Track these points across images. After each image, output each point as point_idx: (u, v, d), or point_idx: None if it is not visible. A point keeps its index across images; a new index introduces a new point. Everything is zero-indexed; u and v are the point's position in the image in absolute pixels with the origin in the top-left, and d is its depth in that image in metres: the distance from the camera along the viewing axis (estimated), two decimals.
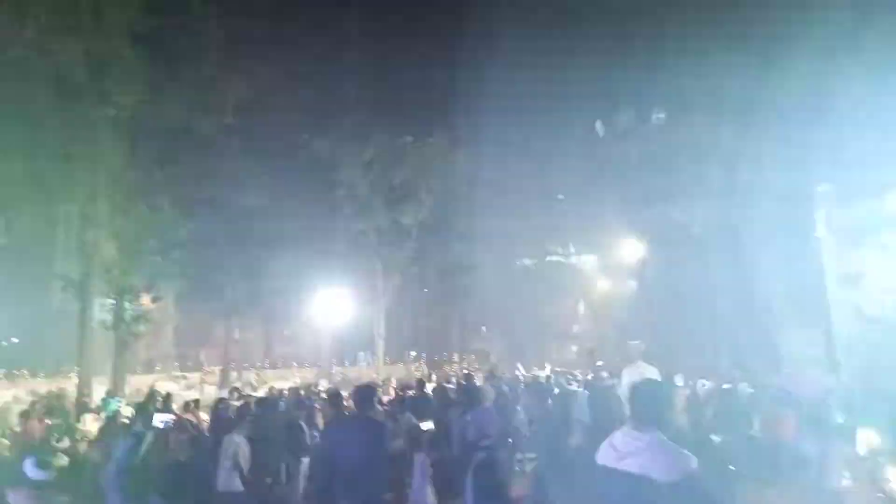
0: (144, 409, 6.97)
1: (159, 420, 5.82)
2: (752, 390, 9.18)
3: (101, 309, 20.16)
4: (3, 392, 25.91)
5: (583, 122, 22.38)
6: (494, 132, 30.13)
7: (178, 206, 21.56)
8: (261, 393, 16.65)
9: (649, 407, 3.04)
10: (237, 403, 10.34)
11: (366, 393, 5.34)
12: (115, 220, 20.00)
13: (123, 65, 17.26)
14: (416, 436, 7.67)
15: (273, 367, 40.36)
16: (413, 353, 40.11)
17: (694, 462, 2.85)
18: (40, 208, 19.01)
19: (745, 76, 22.40)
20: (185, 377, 33.21)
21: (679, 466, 2.84)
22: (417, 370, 33.27)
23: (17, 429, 12.61)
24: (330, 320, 32.04)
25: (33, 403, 14.94)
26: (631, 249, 21.04)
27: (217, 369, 34.49)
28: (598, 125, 19.06)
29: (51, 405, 14.65)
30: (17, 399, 22.17)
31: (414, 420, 8.47)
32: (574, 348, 43.00)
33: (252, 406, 8.71)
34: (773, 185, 18.08)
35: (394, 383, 17.30)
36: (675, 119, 23.11)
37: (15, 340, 39.55)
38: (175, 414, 9.85)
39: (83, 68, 16.63)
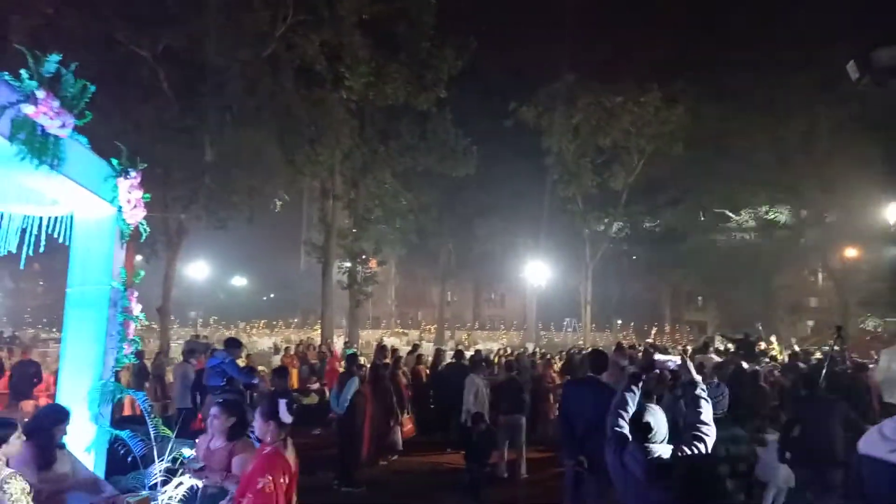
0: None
1: None
2: None
3: (339, 271, 22.98)
4: (266, 339, 31.15)
5: (830, 62, 19.03)
6: (716, 83, 27.21)
7: (399, 178, 23.49)
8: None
9: None
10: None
11: (599, 358, 5.72)
12: (348, 192, 22.54)
13: (352, 52, 19.09)
14: None
15: (482, 328, 42.26)
16: (619, 322, 39.03)
17: None
18: (291, 184, 22.09)
19: None
20: (405, 334, 36.49)
21: None
22: (626, 339, 32.30)
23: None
24: (536, 285, 32.55)
25: (287, 350, 17.79)
26: (893, 211, 17.72)
27: (433, 328, 37.20)
28: (851, 66, 16.14)
29: (303, 353, 17.21)
30: (276, 346, 26.53)
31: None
32: (810, 323, 38.04)
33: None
34: None
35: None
36: None
37: (272, 296, 47.07)
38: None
39: (321, 58, 18.74)
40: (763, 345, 14.52)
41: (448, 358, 13.95)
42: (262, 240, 35.72)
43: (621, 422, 3.57)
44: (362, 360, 13.24)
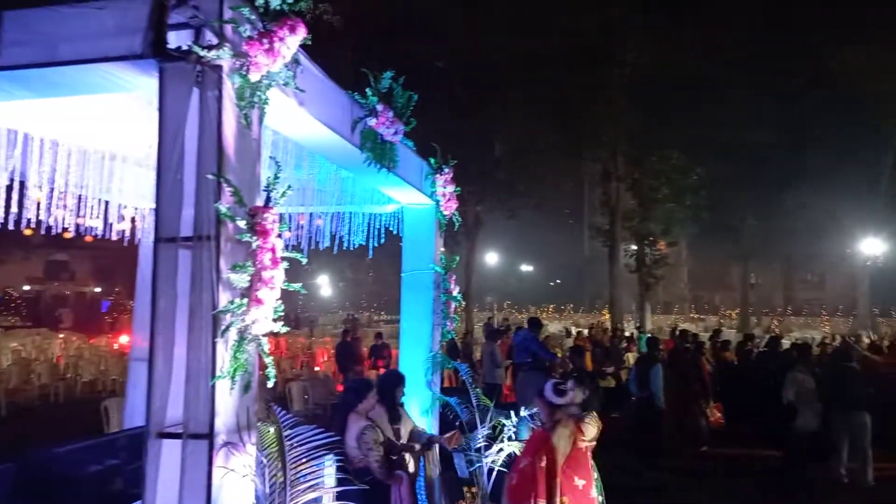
0: None
1: None
2: None
3: (625, 254, 22.44)
4: (555, 323, 32.13)
5: None
6: None
7: (687, 152, 21.79)
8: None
9: None
10: None
11: None
12: (631, 173, 21.78)
13: (627, 24, 18.33)
14: None
15: (796, 313, 36.96)
16: None
17: None
18: (572, 170, 22.27)
19: None
20: (702, 319, 33.93)
21: None
22: None
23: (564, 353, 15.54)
24: (868, 263, 26.96)
25: (580, 333, 18.03)
26: None
27: (734, 313, 33.86)
28: None
29: (596, 337, 17.27)
30: (567, 329, 27.17)
31: None
32: None
33: None
34: None
35: None
36: None
37: (558, 281, 48.32)
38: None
39: (597, 37, 18.42)
40: None
41: (761, 346, 12.68)
42: (547, 227, 36.91)
43: None
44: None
